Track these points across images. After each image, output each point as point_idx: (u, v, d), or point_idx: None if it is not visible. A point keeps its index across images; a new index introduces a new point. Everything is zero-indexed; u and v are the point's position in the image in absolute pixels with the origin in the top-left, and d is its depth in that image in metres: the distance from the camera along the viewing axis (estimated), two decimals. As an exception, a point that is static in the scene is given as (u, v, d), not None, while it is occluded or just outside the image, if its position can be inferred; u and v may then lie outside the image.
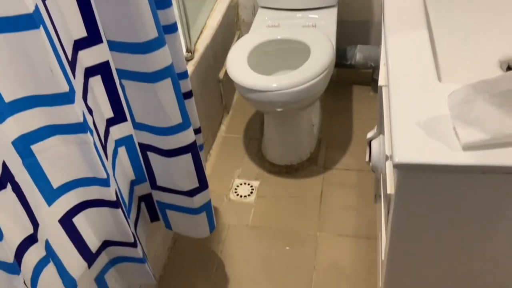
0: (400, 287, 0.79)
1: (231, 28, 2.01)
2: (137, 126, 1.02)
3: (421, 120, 0.62)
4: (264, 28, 1.68)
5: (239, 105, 1.99)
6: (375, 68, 1.89)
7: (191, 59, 1.59)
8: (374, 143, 0.96)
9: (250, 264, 1.39)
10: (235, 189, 1.63)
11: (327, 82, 1.52)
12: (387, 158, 0.75)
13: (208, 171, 1.70)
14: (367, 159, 1.01)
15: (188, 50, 1.59)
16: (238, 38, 2.06)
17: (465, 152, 0.57)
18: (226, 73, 1.52)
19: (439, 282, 0.77)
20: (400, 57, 0.78)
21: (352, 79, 2.01)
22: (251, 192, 1.61)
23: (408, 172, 0.60)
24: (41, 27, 0.68)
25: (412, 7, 0.92)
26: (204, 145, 1.69)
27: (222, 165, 1.73)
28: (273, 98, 1.41)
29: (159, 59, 0.90)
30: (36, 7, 0.67)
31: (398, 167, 0.59)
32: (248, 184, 1.64)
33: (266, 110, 1.56)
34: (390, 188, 0.68)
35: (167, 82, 0.93)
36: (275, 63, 1.65)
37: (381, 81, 0.89)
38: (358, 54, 1.86)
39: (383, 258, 0.77)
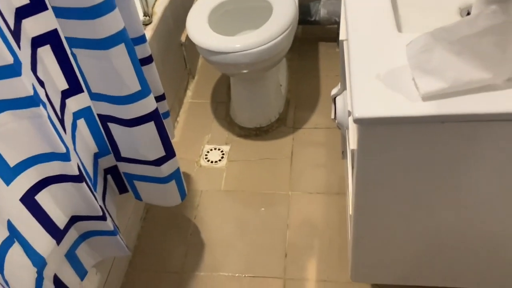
0: (368, 239, 0.80)
1: (190, -12, 1.93)
2: (94, 96, 0.97)
3: (380, 72, 0.61)
4: (224, -14, 1.62)
5: (204, 69, 1.94)
6: (340, 23, 1.87)
7: (149, 23, 1.53)
8: (339, 100, 0.95)
9: (224, 228, 1.40)
10: (206, 155, 1.62)
11: (291, 40, 1.49)
12: (349, 113, 0.74)
13: (176, 139, 1.67)
14: (332, 116, 1.00)
15: (145, 14, 1.52)
16: (199, -1, 1.99)
17: (424, 102, 0.57)
18: (188, 36, 1.47)
19: (406, 232, 0.79)
20: (359, 10, 0.76)
21: (318, 35, 1.99)
22: (222, 157, 1.60)
23: (369, 126, 0.59)
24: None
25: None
26: (170, 112, 1.65)
27: (190, 131, 1.71)
28: (237, 59, 1.37)
29: (109, 24, 0.85)
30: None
31: (358, 122, 0.58)
32: (219, 149, 1.63)
33: (231, 72, 1.53)
34: (353, 143, 0.68)
35: (121, 48, 0.88)
36: (237, 23, 1.60)
37: (342, 35, 0.87)
38: (322, 9, 1.82)
39: (350, 213, 0.78)
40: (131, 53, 0.92)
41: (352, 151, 0.68)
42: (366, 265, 0.88)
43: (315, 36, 1.98)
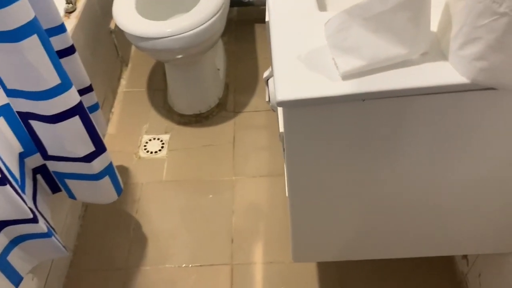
0: (305, 219, 0.81)
1: (117, -28, 1.83)
2: (11, 93, 0.90)
3: (301, 53, 0.60)
4: (151, -31, 1.55)
5: (137, 56, 1.87)
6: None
7: (73, 10, 1.44)
8: (271, 82, 0.94)
9: (168, 219, 1.37)
10: (145, 145, 1.57)
11: (223, 22, 1.46)
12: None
13: (112, 131, 1.61)
14: (267, 99, 1.00)
15: (68, 1, 1.43)
16: (127, -17, 1.90)
17: (345, 81, 0.57)
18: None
19: (341, 209, 0.80)
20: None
21: (254, 17, 1.97)
22: (162, 147, 1.56)
23: (293, 109, 0.59)
24: None
25: None
26: (102, 104, 1.58)
27: (127, 122, 1.65)
28: (168, 44, 1.33)
29: (17, 14, 0.78)
30: None
31: (282, 104, 0.57)
32: (158, 139, 1.59)
33: (165, 58, 1.48)
34: (281, 126, 0.67)
35: (34, 40, 0.82)
36: (167, 7, 1.55)
37: (267, 17, 0.86)
38: (255, -10, 1.80)
39: (287, 194, 0.78)
40: (46, 44, 0.86)
41: (281, 133, 0.67)
42: (306, 245, 0.89)
43: (251, 18, 1.96)
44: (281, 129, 0.68)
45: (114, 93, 1.72)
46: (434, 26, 0.60)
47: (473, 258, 1.11)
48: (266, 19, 0.86)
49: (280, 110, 0.69)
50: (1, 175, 0.84)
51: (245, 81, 1.75)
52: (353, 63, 0.56)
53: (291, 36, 0.64)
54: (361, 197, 0.78)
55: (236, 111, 1.66)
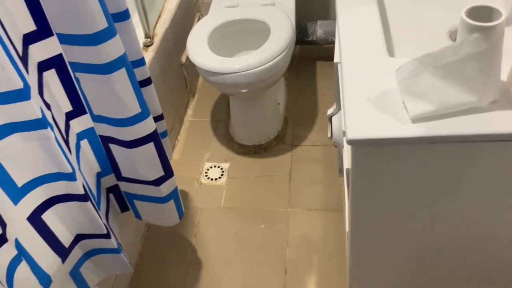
0: (364, 256, 0.83)
1: (191, 9, 1.98)
2: (96, 118, 1.01)
3: (372, 95, 0.64)
4: (222, 8, 1.67)
5: (204, 88, 1.99)
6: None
7: (151, 44, 1.57)
8: (335, 119, 0.99)
9: (224, 245, 1.42)
10: (206, 172, 1.64)
11: (288, 60, 1.53)
12: (344, 133, 0.78)
13: (177, 157, 1.71)
14: (329, 135, 1.04)
15: (147, 36, 1.56)
16: (199, 19, 2.04)
17: (414, 124, 0.60)
18: (188, 57, 1.51)
19: (401, 248, 0.81)
20: (352, 33, 0.80)
21: (315, 54, 2.03)
22: (222, 175, 1.63)
23: (362, 147, 0.63)
24: (-13, 25, 0.66)
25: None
26: (170, 131, 1.69)
27: (191, 149, 1.74)
28: (235, 79, 1.41)
29: (111, 49, 0.88)
30: (-21, 3, 0.65)
31: (352, 143, 0.61)
32: (218, 167, 1.66)
33: (230, 92, 1.57)
34: (348, 163, 0.71)
35: (122, 73, 0.92)
36: (236, 44, 1.65)
37: (336, 58, 0.91)
38: (319, 30, 1.87)
39: (347, 230, 0.80)
40: (132, 77, 0.95)
41: (347, 170, 0.71)
42: (364, 280, 0.90)
43: (312, 55, 2.03)
44: (347, 166, 0.71)
45: (180, 121, 1.83)
46: (504, 75, 0.62)
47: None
48: (335, 60, 0.92)
49: (346, 147, 0.73)
50: (84, 192, 0.92)
51: (304, 116, 1.80)
52: (423, 107, 0.59)
53: (361, 78, 0.69)
54: (423, 235, 0.79)
55: (294, 144, 1.70)
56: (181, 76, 1.86)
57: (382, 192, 0.69)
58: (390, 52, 0.85)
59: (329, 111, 1.04)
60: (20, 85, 0.72)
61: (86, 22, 0.83)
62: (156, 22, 1.67)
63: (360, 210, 0.74)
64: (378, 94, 0.65)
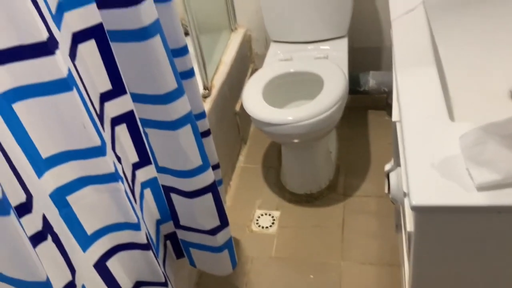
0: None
1: (245, 61, 2.07)
2: (160, 169, 1.06)
3: (435, 161, 0.65)
4: (277, 62, 1.74)
5: (255, 135, 2.04)
6: (389, 93, 1.92)
7: (208, 96, 1.65)
8: (392, 176, 0.98)
9: (276, 296, 1.41)
10: (257, 220, 1.66)
11: (341, 112, 1.55)
12: (405, 194, 0.77)
13: (228, 203, 1.74)
14: (386, 191, 1.03)
15: (205, 88, 1.65)
16: (252, 70, 2.12)
17: (479, 192, 0.60)
18: (242, 106, 1.57)
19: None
20: (411, 94, 0.81)
21: (367, 104, 2.05)
22: (273, 223, 1.64)
23: (426, 213, 0.62)
24: (74, 89, 0.73)
25: (420, 41, 0.95)
26: (223, 178, 1.73)
27: (242, 196, 1.77)
28: (289, 130, 1.45)
29: (179, 108, 0.95)
30: (69, 70, 0.73)
31: (416, 209, 0.61)
32: (269, 215, 1.67)
33: (283, 141, 1.60)
34: (410, 226, 0.70)
35: (187, 128, 0.98)
36: (289, 94, 1.69)
37: (394, 116, 0.92)
38: (371, 80, 1.89)
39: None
40: (195, 132, 1.01)
41: (409, 233, 0.70)
42: None
43: (364, 104, 2.04)
44: (408, 228, 0.71)
45: (233, 167, 1.88)
46: None
47: None
48: (394, 119, 0.93)
49: (409, 210, 0.73)
50: (147, 242, 0.97)
51: (356, 165, 1.80)
52: (489, 176, 0.59)
53: (423, 142, 0.69)
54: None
55: (346, 194, 1.69)
56: (235, 123, 1.92)
57: (446, 257, 0.68)
58: (450, 112, 0.85)
59: (387, 167, 1.03)
60: (98, 142, 0.79)
61: (159, 84, 0.90)
62: (214, 74, 1.76)
63: (421, 272, 0.72)
64: (441, 159, 0.65)
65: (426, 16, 0.99)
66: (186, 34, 1.20)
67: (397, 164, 1.00)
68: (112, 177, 0.83)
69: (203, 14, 1.67)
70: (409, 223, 0.71)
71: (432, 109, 0.77)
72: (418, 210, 0.62)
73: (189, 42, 1.15)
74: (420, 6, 1.01)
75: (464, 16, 1.01)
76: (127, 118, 0.98)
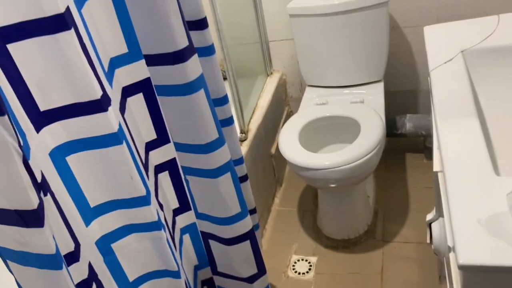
0: None
1: (280, 104, 2.11)
2: (200, 216, 1.08)
3: (481, 218, 0.63)
4: (312, 106, 1.76)
5: (291, 177, 2.04)
6: (427, 136, 1.90)
7: (245, 139, 1.68)
8: (435, 226, 0.96)
9: None
10: (293, 265, 1.64)
11: (379, 157, 1.54)
12: (449, 249, 0.75)
13: (264, 246, 1.73)
14: (428, 240, 1.00)
15: (242, 131, 1.68)
16: (287, 113, 2.15)
17: (531, 252, 0.58)
18: (277, 148, 1.59)
19: None
20: (453, 145, 0.80)
21: (404, 147, 2.02)
22: (309, 269, 1.61)
23: (474, 273, 0.61)
24: (124, 143, 0.77)
25: (460, 89, 0.95)
26: (258, 220, 1.73)
27: (278, 239, 1.75)
28: (326, 175, 1.44)
29: (220, 157, 0.97)
30: (120, 125, 0.77)
31: (464, 268, 0.60)
32: (306, 260, 1.64)
33: (320, 186, 1.60)
34: (456, 284, 0.68)
35: (227, 176, 1.00)
36: (325, 137, 1.70)
37: (436, 167, 0.91)
38: (408, 123, 1.88)
39: None
40: (235, 180, 1.03)
41: (456, 291, 0.68)
42: None
43: (402, 147, 2.02)
44: (456, 286, 0.69)
45: (268, 210, 1.88)
46: None
47: None
48: (435, 169, 0.92)
49: (455, 266, 0.71)
50: (185, 288, 0.97)
51: (395, 210, 1.76)
52: (541, 236, 0.57)
53: (468, 197, 0.68)
54: None
55: (385, 240, 1.65)
56: (270, 166, 1.94)
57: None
58: (494, 163, 0.83)
59: (428, 217, 1.01)
60: (143, 192, 0.82)
61: (201, 135, 0.93)
62: (250, 118, 1.79)
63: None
64: (488, 216, 0.63)
65: (465, 65, 0.99)
66: (224, 78, 1.24)
67: (439, 214, 0.98)
68: (155, 225, 0.86)
69: (240, 59, 1.73)
70: (456, 281, 0.69)
71: (475, 161, 0.76)
72: (466, 269, 0.60)
73: (226, 85, 1.18)
74: (459, 56, 1.02)
75: (505, 66, 1.01)
76: (170, 166, 1.01)
